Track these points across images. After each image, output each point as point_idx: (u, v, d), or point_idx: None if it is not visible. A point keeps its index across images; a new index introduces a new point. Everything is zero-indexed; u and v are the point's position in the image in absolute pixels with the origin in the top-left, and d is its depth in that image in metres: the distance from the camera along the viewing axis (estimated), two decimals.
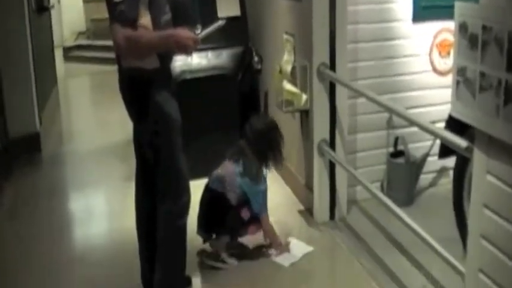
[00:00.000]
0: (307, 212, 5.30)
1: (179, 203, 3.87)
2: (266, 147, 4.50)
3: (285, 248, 4.68)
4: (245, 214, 4.53)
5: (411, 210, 4.81)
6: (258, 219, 4.53)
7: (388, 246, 4.61)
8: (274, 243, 4.62)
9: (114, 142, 7.20)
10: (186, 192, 3.89)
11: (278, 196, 5.51)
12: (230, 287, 4.32)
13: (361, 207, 5.37)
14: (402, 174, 5.27)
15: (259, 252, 4.70)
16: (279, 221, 4.97)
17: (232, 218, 4.54)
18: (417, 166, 5.34)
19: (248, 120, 4.61)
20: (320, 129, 4.99)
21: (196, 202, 4.44)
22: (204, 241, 4.60)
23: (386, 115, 5.18)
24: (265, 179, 4.46)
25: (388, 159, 5.34)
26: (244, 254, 4.65)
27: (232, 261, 4.58)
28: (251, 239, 4.69)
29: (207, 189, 4.59)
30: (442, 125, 3.96)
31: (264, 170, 4.46)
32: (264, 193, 4.48)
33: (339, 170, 5.07)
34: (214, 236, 4.61)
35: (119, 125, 7.31)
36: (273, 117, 4.92)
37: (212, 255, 4.63)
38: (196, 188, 4.37)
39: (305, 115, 5.15)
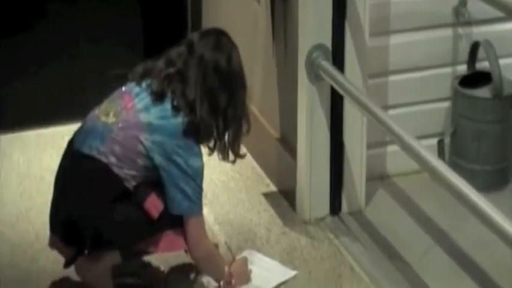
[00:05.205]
0: (285, 198, 4.07)
1: None
2: (215, 82, 3.17)
3: (239, 276, 3.42)
4: (154, 207, 3.20)
5: (503, 199, 3.87)
6: (179, 222, 3.25)
7: (448, 268, 3.64)
8: (217, 274, 3.40)
9: None
10: None
11: (227, 170, 4.34)
12: None
13: (396, 189, 4.19)
14: (487, 123, 4.08)
15: (182, 280, 3.55)
16: (229, 221, 3.98)
17: (126, 214, 3.20)
18: None
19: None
20: (312, 25, 3.74)
21: (47, 174, 3.72)
22: (67, 264, 3.33)
23: None
24: (200, 149, 3.27)
25: (455, 88, 4.10)
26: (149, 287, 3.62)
27: None
28: (168, 255, 3.47)
29: (72, 155, 3.28)
30: None
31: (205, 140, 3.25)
32: (199, 174, 3.21)
33: (350, 110, 3.91)
34: (87, 252, 3.33)
35: None
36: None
37: None
38: (57, 144, 3.97)
39: None
